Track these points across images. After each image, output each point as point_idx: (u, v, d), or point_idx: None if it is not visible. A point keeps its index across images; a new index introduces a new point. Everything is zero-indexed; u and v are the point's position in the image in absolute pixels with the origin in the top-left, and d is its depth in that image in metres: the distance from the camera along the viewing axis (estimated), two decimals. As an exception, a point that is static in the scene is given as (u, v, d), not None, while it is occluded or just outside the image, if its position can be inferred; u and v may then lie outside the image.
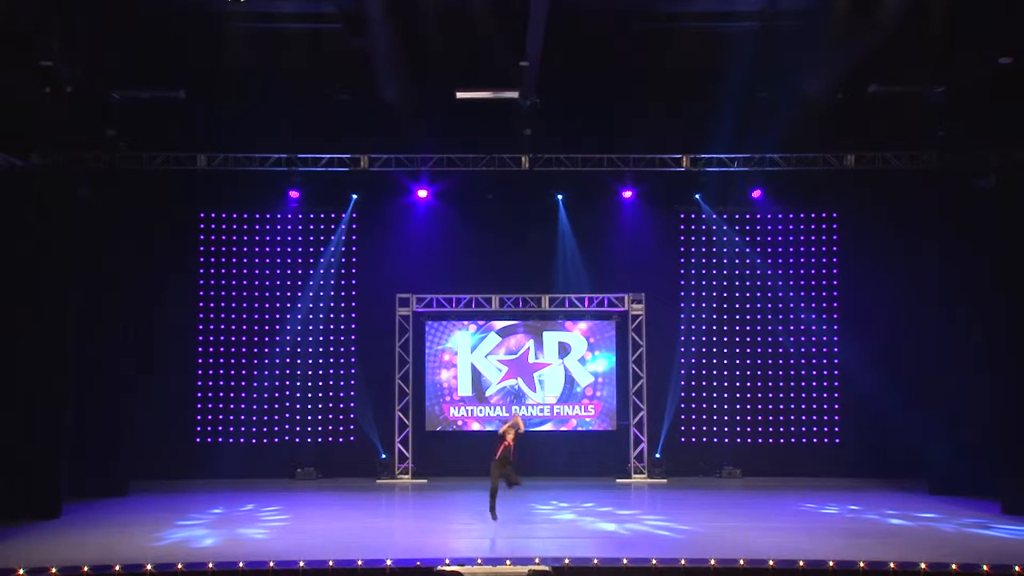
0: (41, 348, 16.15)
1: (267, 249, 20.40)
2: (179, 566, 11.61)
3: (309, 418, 20.18)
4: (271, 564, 11.69)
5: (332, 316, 20.40)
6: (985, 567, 11.54)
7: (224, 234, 20.42)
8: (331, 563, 11.64)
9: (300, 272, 20.40)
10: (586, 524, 15.04)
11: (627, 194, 19.46)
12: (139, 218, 19.08)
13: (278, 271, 20.40)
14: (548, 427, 20.18)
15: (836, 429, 20.23)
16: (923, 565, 11.53)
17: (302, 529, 14.76)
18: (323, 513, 16.35)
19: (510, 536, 13.73)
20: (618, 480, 19.64)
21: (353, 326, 20.55)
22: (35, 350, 16.11)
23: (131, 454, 18.46)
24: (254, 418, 20.03)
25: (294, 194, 19.22)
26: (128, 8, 14.62)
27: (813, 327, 20.31)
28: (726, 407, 20.33)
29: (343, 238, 20.30)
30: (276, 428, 20.13)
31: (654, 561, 11.76)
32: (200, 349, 20.21)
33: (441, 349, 20.34)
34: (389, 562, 11.68)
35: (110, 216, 18.21)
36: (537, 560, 11.76)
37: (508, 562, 11.80)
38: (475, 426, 20.11)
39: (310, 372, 20.29)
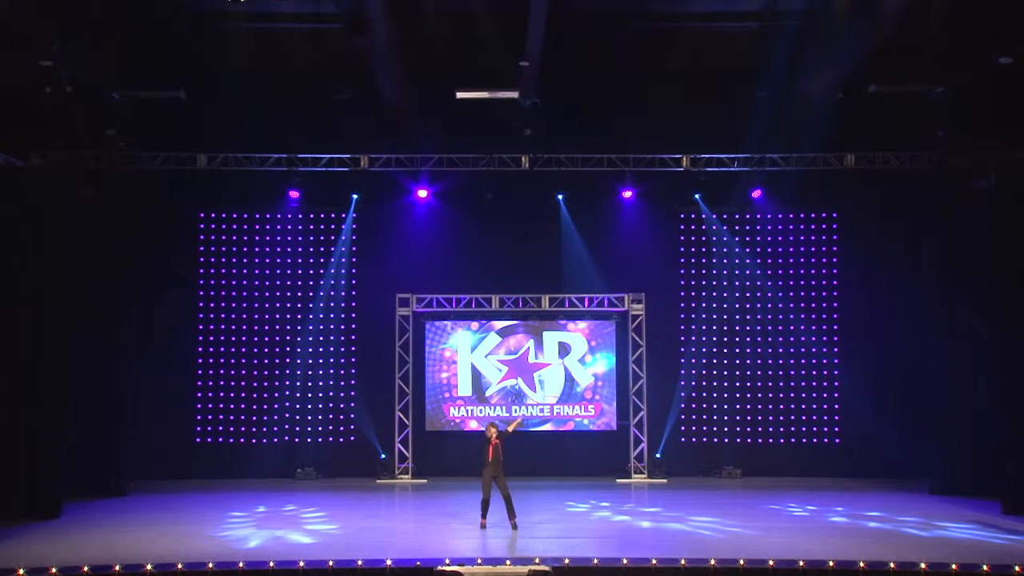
0: (41, 348, 16.16)
1: (267, 249, 20.40)
2: (179, 566, 11.61)
3: (309, 418, 20.18)
4: (271, 564, 11.70)
5: (332, 316, 20.35)
6: (985, 567, 11.54)
7: (224, 234, 20.43)
8: (331, 563, 11.65)
9: (300, 272, 20.43)
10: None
11: (627, 194, 19.47)
12: (139, 218, 19.10)
13: (278, 271, 20.40)
14: (548, 427, 20.17)
15: (836, 429, 20.23)
16: (923, 565, 11.54)
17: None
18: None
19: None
20: (618, 480, 19.62)
21: (353, 326, 20.55)
22: (35, 350, 16.11)
23: (131, 454, 18.49)
24: (254, 418, 20.05)
25: (294, 194, 19.28)
26: (128, 8, 14.61)
27: (813, 327, 20.32)
28: (726, 407, 20.34)
29: (343, 238, 20.30)
30: (276, 428, 20.12)
31: (654, 561, 11.77)
32: (200, 349, 20.22)
33: (441, 349, 20.34)
34: (389, 562, 11.68)
35: (110, 216, 18.23)
36: (537, 560, 11.76)
37: (508, 562, 11.81)
38: (474, 425, 20.10)
39: (310, 372, 20.27)
